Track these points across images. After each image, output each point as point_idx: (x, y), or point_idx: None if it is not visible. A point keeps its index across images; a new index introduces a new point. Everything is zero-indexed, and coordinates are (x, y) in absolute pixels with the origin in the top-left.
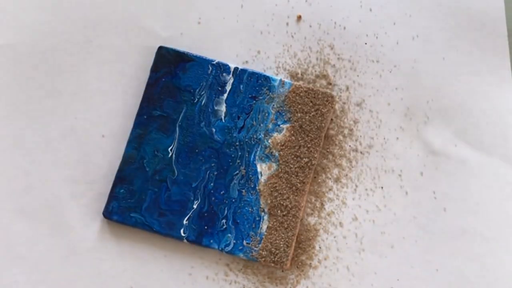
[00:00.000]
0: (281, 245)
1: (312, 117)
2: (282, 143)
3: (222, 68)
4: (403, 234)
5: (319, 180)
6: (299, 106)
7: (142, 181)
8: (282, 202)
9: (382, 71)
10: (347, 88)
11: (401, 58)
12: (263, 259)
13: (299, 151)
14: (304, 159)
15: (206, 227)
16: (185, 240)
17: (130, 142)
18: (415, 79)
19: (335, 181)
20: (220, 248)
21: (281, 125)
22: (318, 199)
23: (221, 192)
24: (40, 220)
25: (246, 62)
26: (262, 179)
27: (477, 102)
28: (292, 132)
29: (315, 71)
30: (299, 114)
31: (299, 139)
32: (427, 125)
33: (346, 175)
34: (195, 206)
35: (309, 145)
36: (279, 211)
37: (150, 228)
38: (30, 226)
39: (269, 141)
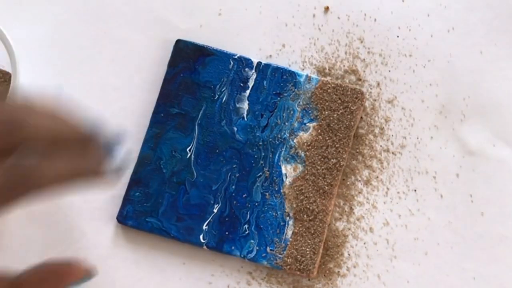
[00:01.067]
0: (307, 252)
1: (340, 115)
2: (309, 143)
3: (244, 62)
4: (438, 240)
5: (348, 183)
6: (327, 104)
7: (158, 183)
8: (308, 206)
9: (415, 66)
10: (378, 84)
11: (435, 52)
12: (288, 267)
13: (327, 152)
14: (332, 160)
15: (227, 233)
16: (204, 247)
17: (146, 142)
18: (451, 75)
19: (365, 184)
20: (242, 255)
21: (307, 124)
22: (346, 203)
23: (243, 195)
24: (49, 226)
25: (270, 56)
26: (287, 181)
27: None
28: (319, 131)
29: (344, 66)
30: (326, 112)
31: (327, 138)
32: (464, 124)
33: (377, 177)
34: (215, 210)
35: (337, 145)
36: (305, 216)
37: (167, 233)
38: (39, 232)
39: (295, 140)
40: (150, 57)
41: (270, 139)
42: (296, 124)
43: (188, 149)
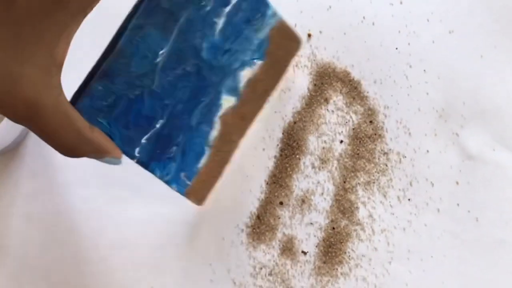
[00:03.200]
0: (207, 185)
1: (281, 56)
2: (250, 79)
3: None
4: (437, 244)
5: (348, 186)
6: (277, 43)
7: (123, 82)
8: (227, 138)
9: (415, 70)
10: (378, 88)
11: (435, 56)
12: (191, 197)
13: (260, 86)
14: (260, 91)
15: (158, 151)
16: (135, 161)
17: (128, 32)
18: (451, 79)
19: (365, 188)
20: (159, 176)
21: (256, 60)
22: (347, 206)
23: (184, 117)
24: (48, 227)
25: None
26: (220, 112)
27: None
28: (263, 69)
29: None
30: (274, 52)
31: (265, 77)
32: (464, 128)
33: (376, 181)
34: (158, 126)
35: (270, 80)
36: (221, 147)
37: (111, 139)
38: (38, 234)
39: (241, 73)
40: None
41: (225, 67)
42: (248, 57)
43: (160, 52)
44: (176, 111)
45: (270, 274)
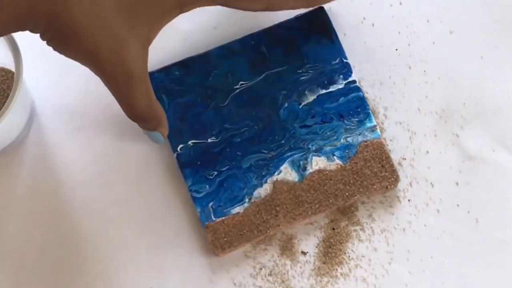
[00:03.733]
0: (232, 235)
1: (367, 178)
2: (322, 170)
3: (345, 69)
4: (436, 245)
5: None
6: (368, 160)
7: (196, 83)
8: (271, 210)
9: (415, 70)
10: (379, 88)
11: (435, 57)
12: (209, 234)
13: (329, 190)
14: (327, 199)
15: (199, 163)
16: (175, 155)
17: (222, 48)
18: (451, 79)
19: None
20: (189, 187)
21: (335, 157)
22: (347, 206)
23: (238, 153)
24: (48, 227)
25: None
26: (276, 177)
27: None
28: (340, 171)
29: None
30: (361, 165)
31: (340, 182)
32: (464, 129)
33: None
34: (209, 140)
35: (342, 194)
36: (261, 214)
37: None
38: (38, 234)
39: (314, 158)
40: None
41: (299, 139)
42: (327, 148)
43: (241, 83)
44: (232, 141)
45: (270, 275)
